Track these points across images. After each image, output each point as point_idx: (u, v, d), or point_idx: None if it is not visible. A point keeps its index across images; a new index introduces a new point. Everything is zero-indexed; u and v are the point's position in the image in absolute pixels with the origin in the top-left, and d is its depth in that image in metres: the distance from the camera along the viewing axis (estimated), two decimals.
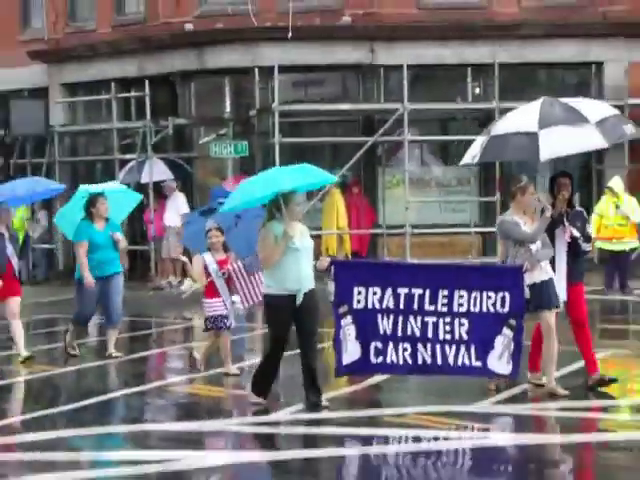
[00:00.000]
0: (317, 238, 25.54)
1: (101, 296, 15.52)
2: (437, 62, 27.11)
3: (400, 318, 11.70)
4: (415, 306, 11.68)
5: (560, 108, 12.30)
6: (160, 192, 26.39)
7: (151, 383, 13.96)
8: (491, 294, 11.58)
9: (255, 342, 18.41)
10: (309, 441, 10.71)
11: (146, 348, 17.44)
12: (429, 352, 11.70)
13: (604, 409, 12.03)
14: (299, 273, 11.48)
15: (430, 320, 11.67)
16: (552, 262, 12.10)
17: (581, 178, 28.03)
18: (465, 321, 11.64)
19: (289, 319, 11.55)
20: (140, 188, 27.02)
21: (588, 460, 9.89)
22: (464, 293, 11.63)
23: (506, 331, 11.60)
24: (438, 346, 11.69)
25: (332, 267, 11.78)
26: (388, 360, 11.76)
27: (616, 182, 22.87)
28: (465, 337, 11.64)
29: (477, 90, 28.01)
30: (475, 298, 11.63)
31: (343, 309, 11.71)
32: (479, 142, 12.98)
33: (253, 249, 12.82)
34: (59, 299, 22.55)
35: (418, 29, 26.95)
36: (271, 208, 11.65)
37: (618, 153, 26.01)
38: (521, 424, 11.09)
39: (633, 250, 22.78)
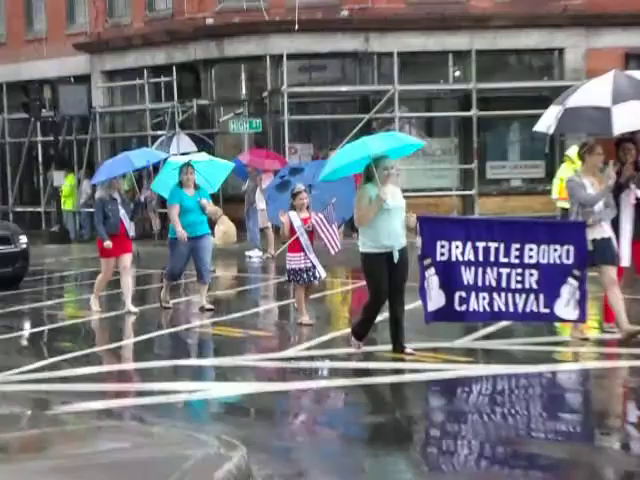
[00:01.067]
0: None
1: (192, 255, 14.92)
2: (422, 49, 27.05)
3: (479, 269, 11.21)
4: (491, 258, 11.20)
5: (630, 83, 11.56)
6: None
7: (180, 325, 14.00)
8: (557, 247, 11.16)
9: (269, 290, 18.46)
10: (312, 374, 10.76)
11: (177, 296, 17.45)
12: (503, 300, 11.26)
13: (563, 343, 12.06)
14: (392, 231, 10.90)
15: (504, 271, 11.21)
16: (615, 222, 11.51)
17: (545, 148, 28.02)
18: (535, 272, 11.19)
19: (386, 273, 10.93)
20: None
21: (551, 384, 9.92)
22: (533, 246, 11.17)
23: (571, 280, 11.20)
24: (510, 295, 11.26)
25: (418, 223, 11.14)
26: (470, 308, 11.23)
27: (573, 150, 22.78)
28: (535, 286, 11.20)
29: (457, 73, 27.91)
30: (543, 251, 11.19)
31: (427, 261, 11.12)
32: (553, 113, 12.02)
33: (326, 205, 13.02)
34: None
35: (406, 21, 26.86)
36: (366, 172, 11.03)
37: None
38: (494, 357, 11.11)
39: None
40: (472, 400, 9.42)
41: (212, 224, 17.78)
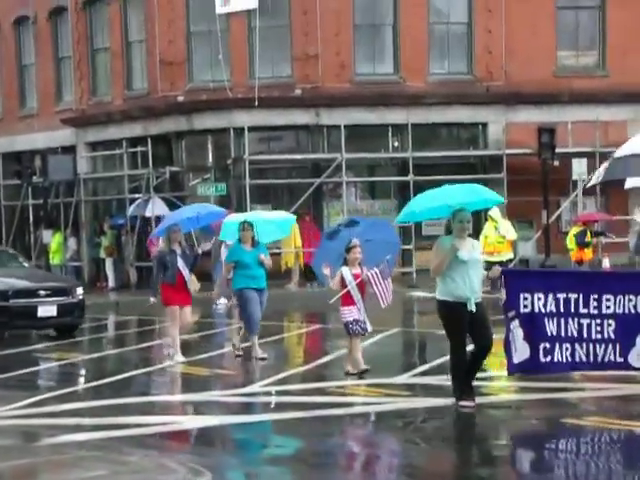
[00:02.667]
0: (277, 255, 25.59)
1: None
2: (365, 123, 27.24)
3: (562, 320, 10.17)
4: (572, 309, 10.18)
5: None
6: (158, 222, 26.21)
7: (155, 365, 13.83)
8: (632, 297, 10.18)
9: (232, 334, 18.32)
10: (276, 407, 10.67)
11: (149, 339, 17.32)
12: (584, 350, 10.22)
13: (489, 378, 12.07)
14: (468, 283, 9.80)
15: (585, 322, 10.18)
16: None
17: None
18: (612, 322, 10.16)
19: (464, 323, 9.84)
20: (145, 220, 26.96)
21: (477, 416, 9.91)
22: (610, 297, 10.19)
23: None
24: (591, 345, 10.22)
25: (502, 276, 10.28)
26: (555, 359, 10.17)
27: (494, 211, 22.94)
28: (613, 336, 10.17)
29: (396, 144, 28.11)
30: (619, 301, 10.18)
31: (511, 314, 10.13)
32: (602, 166, 11.65)
33: (376, 260, 12.06)
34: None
35: (351, 98, 27.07)
36: (447, 223, 10.07)
37: (499, 188, 26.25)
38: (430, 392, 11.09)
39: (510, 261, 22.93)
40: (408, 430, 9.39)
41: None
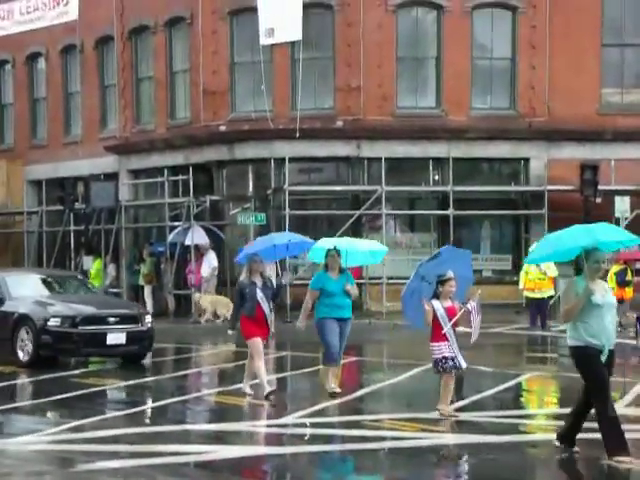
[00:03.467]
0: None
1: None
2: (406, 156, 27.28)
3: None
4: None
5: None
6: (199, 250, 26.39)
7: (190, 394, 13.86)
8: None
9: (267, 364, 18.31)
10: (309, 439, 10.66)
11: (185, 367, 17.37)
12: None
13: (528, 416, 11.98)
14: (602, 328, 9.13)
15: None
16: None
17: (512, 244, 28.14)
18: None
19: (602, 367, 9.17)
20: (184, 248, 27.15)
21: (516, 455, 9.83)
22: None
23: None
24: None
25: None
26: None
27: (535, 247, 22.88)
28: None
29: (436, 177, 28.11)
30: None
31: None
32: None
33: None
34: None
35: (393, 131, 27.14)
36: (577, 263, 9.33)
37: (540, 224, 26.15)
38: (466, 428, 11.02)
39: (550, 297, 22.82)
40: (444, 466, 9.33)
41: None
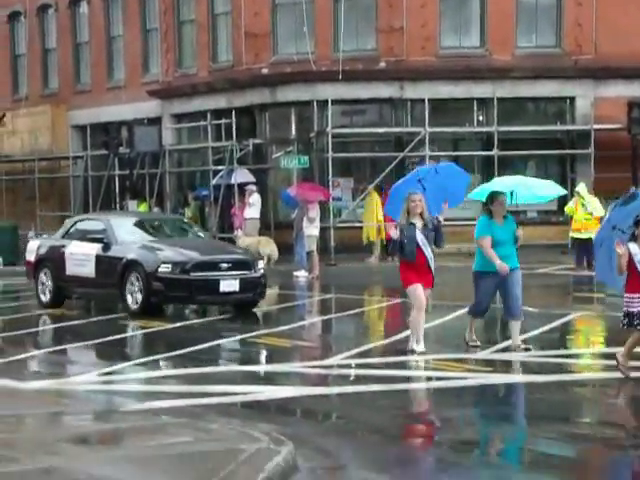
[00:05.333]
0: (359, 229, 25.61)
1: (500, 289, 11.99)
2: (450, 96, 27.01)
3: None
4: None
5: None
6: (243, 193, 26.32)
7: (236, 336, 13.88)
8: None
9: (313, 306, 18.40)
10: (354, 380, 10.72)
11: (230, 310, 17.34)
12: None
13: (574, 355, 11.96)
14: None
15: None
16: None
17: (559, 184, 27.80)
18: None
19: None
20: (228, 188, 27.24)
21: (560, 394, 9.83)
22: None
23: None
24: None
25: None
26: None
27: (582, 187, 22.67)
28: None
29: (480, 118, 27.82)
30: None
31: None
32: None
33: None
34: None
35: (436, 72, 26.84)
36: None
37: (586, 164, 25.83)
38: (512, 368, 11.02)
39: None
40: (492, 405, 9.35)
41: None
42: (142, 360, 11.89)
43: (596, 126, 26.13)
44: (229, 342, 13.40)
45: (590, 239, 22.15)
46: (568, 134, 27.69)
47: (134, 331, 14.71)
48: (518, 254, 11.93)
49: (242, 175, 26.93)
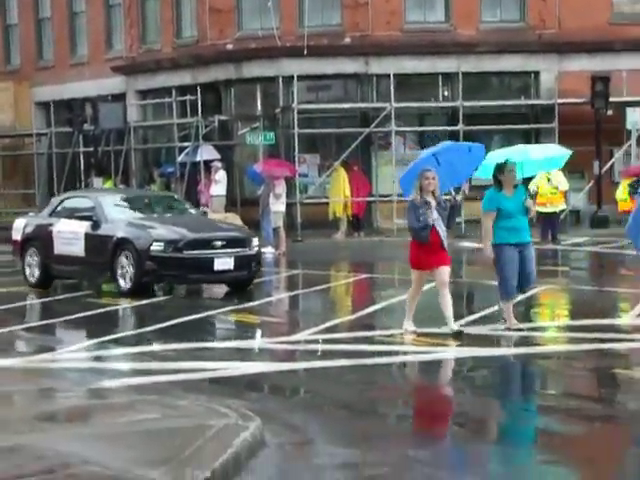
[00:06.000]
0: (326, 205, 25.62)
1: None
2: (415, 72, 27.01)
3: None
4: None
5: None
6: (209, 169, 26.20)
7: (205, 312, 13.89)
8: None
9: (280, 282, 18.42)
10: (322, 355, 10.76)
11: (202, 286, 17.31)
12: None
13: (540, 328, 12.07)
14: None
15: None
16: None
17: None
18: None
19: None
20: (194, 165, 27.13)
21: (526, 366, 9.94)
22: None
23: None
24: None
25: None
26: None
27: None
28: None
29: (446, 93, 27.85)
30: None
31: None
32: None
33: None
34: None
35: (401, 47, 26.83)
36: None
37: (551, 138, 25.98)
38: (477, 341, 11.11)
39: (562, 211, 22.84)
40: (458, 379, 9.44)
41: None
42: (110, 337, 11.86)
43: (560, 100, 26.27)
44: (196, 319, 13.37)
45: (555, 213, 22.42)
46: (532, 108, 27.83)
47: (101, 308, 14.63)
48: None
49: (208, 152, 26.82)
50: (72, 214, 16.38)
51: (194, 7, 28.95)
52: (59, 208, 17.05)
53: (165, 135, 30.02)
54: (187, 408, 7.82)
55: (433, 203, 11.15)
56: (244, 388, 9.28)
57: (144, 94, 30.67)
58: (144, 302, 14.89)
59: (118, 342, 11.61)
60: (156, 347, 11.19)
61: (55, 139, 32.27)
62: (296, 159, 26.16)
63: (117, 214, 15.99)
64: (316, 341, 11.25)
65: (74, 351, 11.05)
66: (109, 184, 29.16)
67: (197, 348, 11.18)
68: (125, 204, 16.68)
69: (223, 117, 27.77)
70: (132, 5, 30.64)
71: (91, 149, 29.63)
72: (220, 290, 16.03)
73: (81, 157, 31.00)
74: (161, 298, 15.56)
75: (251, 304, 14.44)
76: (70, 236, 16.16)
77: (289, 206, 24.36)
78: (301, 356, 10.69)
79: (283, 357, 10.80)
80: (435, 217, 11.08)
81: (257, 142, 26.69)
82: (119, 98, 30.04)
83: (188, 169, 27.13)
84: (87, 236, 15.83)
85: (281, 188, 22.80)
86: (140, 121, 30.37)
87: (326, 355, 10.63)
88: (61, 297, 15.94)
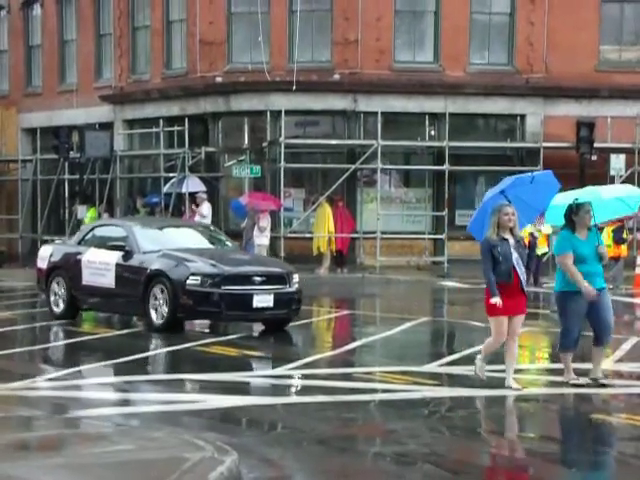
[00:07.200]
0: (310, 239, 25.64)
1: (589, 314, 10.50)
2: (403, 110, 27.19)
3: None
4: None
5: None
6: (194, 201, 26.22)
7: (185, 344, 13.81)
8: None
9: None
10: (300, 390, 10.70)
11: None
12: None
13: (519, 371, 12.04)
14: None
15: None
16: None
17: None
18: None
19: None
20: (179, 197, 27.12)
21: (504, 408, 9.90)
22: None
23: None
24: None
25: None
26: None
27: None
28: None
29: (432, 132, 28.01)
30: None
31: None
32: None
33: None
34: None
35: (389, 85, 27.01)
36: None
37: None
38: (457, 382, 11.08)
39: (544, 254, 22.90)
40: (436, 419, 9.40)
41: None
42: (87, 367, 11.76)
43: (545, 144, 26.45)
44: (176, 350, 13.30)
45: (537, 256, 22.47)
46: (518, 151, 28.00)
47: (80, 337, 14.54)
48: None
49: (194, 183, 26.82)
50: (103, 243, 15.63)
51: (184, 39, 29.08)
52: (89, 236, 16.27)
53: (151, 165, 30.03)
54: (163, 440, 7.74)
55: (512, 241, 10.18)
56: (221, 421, 9.20)
57: (132, 124, 30.71)
58: (124, 332, 14.83)
59: (95, 371, 11.50)
60: (133, 377, 11.09)
61: (40, 166, 32.21)
62: (282, 193, 26.20)
63: (151, 244, 15.11)
64: (295, 376, 11.19)
65: (50, 380, 10.93)
66: (92, 212, 29.11)
67: (176, 380, 11.09)
68: (159, 234, 15.89)
69: (210, 149, 27.83)
70: (122, 35, 30.76)
71: (76, 177, 29.57)
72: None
73: (66, 184, 30.93)
74: (141, 328, 15.47)
75: (232, 337, 14.37)
76: (100, 266, 15.35)
77: (273, 240, 24.36)
78: (280, 390, 10.61)
79: (261, 391, 10.72)
80: (515, 256, 10.17)
81: (243, 175, 26.73)
82: (107, 127, 30.05)
83: (173, 200, 27.11)
84: (118, 267, 15.03)
85: (266, 221, 22.84)
86: (127, 150, 30.39)
87: (305, 390, 10.58)
88: (39, 324, 15.80)
